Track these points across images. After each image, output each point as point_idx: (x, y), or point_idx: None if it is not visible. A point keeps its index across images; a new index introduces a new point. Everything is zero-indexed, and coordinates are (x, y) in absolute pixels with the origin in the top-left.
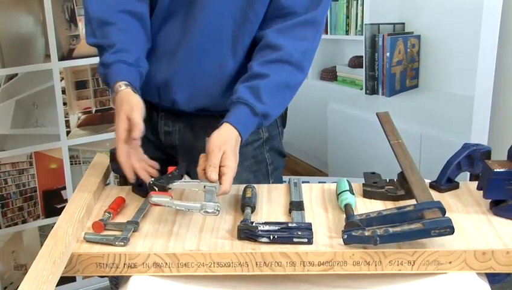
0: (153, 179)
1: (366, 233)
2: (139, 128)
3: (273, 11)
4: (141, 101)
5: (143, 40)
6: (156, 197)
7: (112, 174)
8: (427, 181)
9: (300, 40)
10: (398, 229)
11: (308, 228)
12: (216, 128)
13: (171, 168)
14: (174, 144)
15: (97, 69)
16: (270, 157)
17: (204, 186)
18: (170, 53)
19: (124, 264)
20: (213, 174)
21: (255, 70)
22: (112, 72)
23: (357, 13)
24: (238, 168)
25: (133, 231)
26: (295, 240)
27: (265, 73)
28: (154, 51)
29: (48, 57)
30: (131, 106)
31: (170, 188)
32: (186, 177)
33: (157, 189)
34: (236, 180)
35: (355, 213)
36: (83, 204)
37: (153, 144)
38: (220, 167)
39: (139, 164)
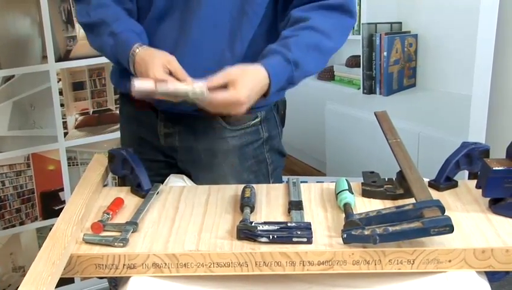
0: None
1: (366, 232)
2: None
3: (300, 2)
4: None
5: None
6: (138, 82)
7: (110, 175)
8: (426, 180)
9: (327, 17)
10: (397, 228)
11: (307, 227)
12: (216, 130)
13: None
14: (175, 146)
15: (94, 43)
16: (270, 157)
17: (193, 88)
18: (169, 52)
19: (124, 265)
20: (200, 82)
21: (284, 34)
22: (126, 38)
23: None
24: (239, 169)
25: (132, 232)
26: (294, 239)
27: (295, 34)
28: None
29: (44, 58)
30: (165, 55)
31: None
32: (186, 181)
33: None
34: (237, 180)
35: (354, 212)
36: (82, 205)
37: (152, 146)
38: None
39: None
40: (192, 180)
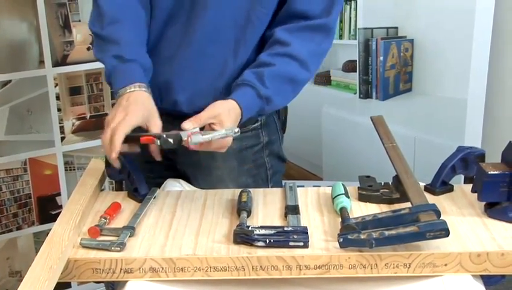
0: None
1: (362, 236)
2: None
3: (285, 14)
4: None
5: (146, 34)
6: (195, 137)
7: (107, 180)
8: (422, 184)
9: (308, 41)
10: (393, 232)
11: (304, 231)
12: None
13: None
14: (174, 148)
15: (98, 54)
16: (269, 162)
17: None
18: (172, 55)
19: (121, 269)
20: (187, 122)
21: (261, 60)
22: (131, 69)
23: (350, 17)
24: (238, 172)
25: (129, 236)
26: (291, 243)
27: (272, 62)
28: (155, 53)
29: (42, 63)
30: (152, 112)
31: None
32: (183, 184)
33: (172, 141)
34: (236, 184)
35: (350, 216)
36: (79, 210)
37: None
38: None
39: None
40: (191, 182)
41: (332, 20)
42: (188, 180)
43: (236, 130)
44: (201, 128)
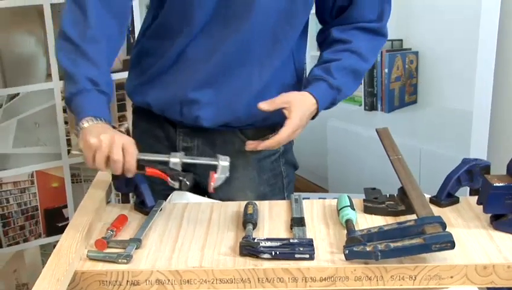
0: (180, 177)
1: (368, 248)
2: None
3: (341, 17)
4: None
5: (117, 46)
6: (217, 180)
7: (114, 192)
8: (427, 196)
9: (363, 39)
10: (399, 244)
11: (309, 243)
12: (235, 143)
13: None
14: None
15: (65, 61)
16: (285, 171)
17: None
18: (196, 71)
19: (127, 281)
20: (264, 104)
21: (326, 57)
22: (102, 101)
23: None
24: (257, 182)
25: (136, 248)
26: (297, 256)
27: (336, 58)
28: (179, 68)
29: (49, 76)
30: (129, 139)
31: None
32: (190, 197)
33: (188, 182)
34: (254, 193)
35: (356, 229)
36: (86, 222)
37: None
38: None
39: None
40: (209, 194)
41: (384, 25)
42: (205, 193)
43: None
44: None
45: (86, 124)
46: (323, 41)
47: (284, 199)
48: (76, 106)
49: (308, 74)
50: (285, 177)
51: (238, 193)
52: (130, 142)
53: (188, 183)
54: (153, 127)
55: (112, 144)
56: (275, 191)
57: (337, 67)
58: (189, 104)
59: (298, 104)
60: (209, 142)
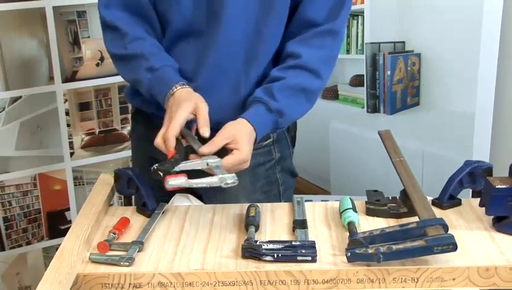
0: (156, 165)
1: (370, 251)
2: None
3: (296, 24)
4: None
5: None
6: (172, 180)
7: (116, 195)
8: (430, 198)
9: (318, 48)
10: (401, 246)
11: (311, 246)
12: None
13: (171, 153)
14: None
15: (127, 75)
16: (281, 178)
17: (207, 164)
18: (186, 73)
19: (129, 284)
20: (204, 148)
21: (272, 75)
22: (166, 74)
23: (357, 32)
24: (251, 189)
25: (138, 251)
26: (299, 258)
27: (281, 76)
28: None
29: (51, 79)
30: (197, 100)
31: (175, 171)
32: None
33: (162, 174)
34: (248, 200)
35: (358, 231)
36: (88, 225)
37: None
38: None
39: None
40: (203, 200)
41: (339, 23)
42: (199, 198)
43: (231, 180)
44: (219, 152)
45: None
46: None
47: None
48: (154, 94)
49: (253, 94)
50: (282, 184)
51: (231, 200)
52: (172, 126)
53: (160, 174)
54: (150, 131)
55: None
56: (270, 199)
57: (281, 87)
58: None
59: (241, 135)
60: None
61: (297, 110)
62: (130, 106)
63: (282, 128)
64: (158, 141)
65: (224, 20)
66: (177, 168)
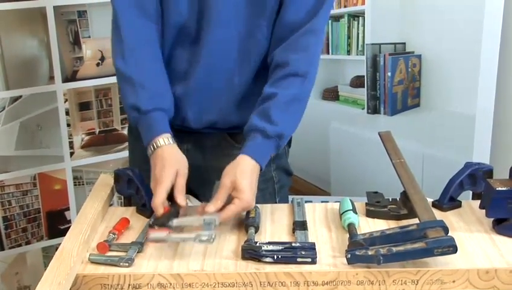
0: (152, 220)
1: (370, 252)
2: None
3: (279, 30)
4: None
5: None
6: (153, 234)
7: (116, 195)
8: (430, 200)
9: (303, 51)
10: (401, 248)
11: (311, 247)
12: (224, 147)
13: (166, 208)
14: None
15: (123, 101)
16: (277, 176)
17: (204, 220)
18: (181, 72)
19: (129, 285)
20: (210, 207)
21: (265, 92)
22: (152, 121)
23: (358, 33)
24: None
25: (138, 252)
26: (299, 259)
27: (274, 92)
28: (167, 71)
29: (51, 78)
30: (184, 166)
31: (170, 226)
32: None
33: (157, 227)
34: None
35: (358, 233)
36: (88, 225)
37: None
38: (233, 198)
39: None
40: (200, 199)
41: (319, 21)
42: (196, 197)
43: (205, 237)
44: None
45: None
46: (269, 70)
47: (275, 203)
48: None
49: (249, 120)
50: (277, 182)
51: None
52: (159, 190)
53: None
54: None
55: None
56: (266, 197)
57: (275, 105)
58: (176, 105)
59: (243, 179)
60: (198, 146)
61: (294, 125)
62: None
63: (280, 149)
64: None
65: (214, 21)
66: (174, 223)
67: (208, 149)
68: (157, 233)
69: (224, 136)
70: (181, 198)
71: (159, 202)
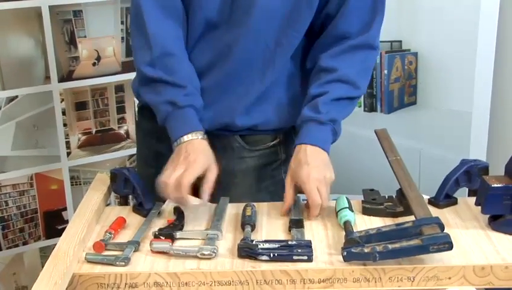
0: (157, 231)
1: (366, 250)
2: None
3: (329, 36)
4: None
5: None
6: (157, 244)
7: (113, 195)
8: (426, 197)
9: (353, 62)
10: (397, 245)
11: (308, 245)
12: (235, 149)
13: (170, 220)
14: None
15: (147, 96)
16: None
17: (207, 235)
18: (200, 73)
19: (125, 284)
20: (284, 210)
21: (312, 92)
22: (188, 115)
23: None
24: (256, 189)
25: (134, 251)
26: (295, 257)
27: (323, 91)
28: None
29: (48, 78)
30: (210, 160)
31: (174, 237)
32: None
33: (163, 238)
34: (253, 200)
35: (354, 230)
36: (84, 225)
37: None
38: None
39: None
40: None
41: (373, 35)
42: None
43: (207, 252)
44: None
45: (174, 147)
46: (312, 68)
47: None
48: (165, 125)
49: (300, 115)
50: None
51: (236, 199)
52: (188, 173)
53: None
54: (157, 127)
55: (166, 174)
56: (275, 199)
57: (325, 101)
58: None
59: (310, 169)
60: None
61: (344, 114)
62: (127, 104)
63: (338, 134)
64: (168, 181)
65: (244, 32)
66: (178, 235)
67: (219, 150)
68: (161, 243)
69: (235, 138)
70: (207, 193)
71: (188, 181)
